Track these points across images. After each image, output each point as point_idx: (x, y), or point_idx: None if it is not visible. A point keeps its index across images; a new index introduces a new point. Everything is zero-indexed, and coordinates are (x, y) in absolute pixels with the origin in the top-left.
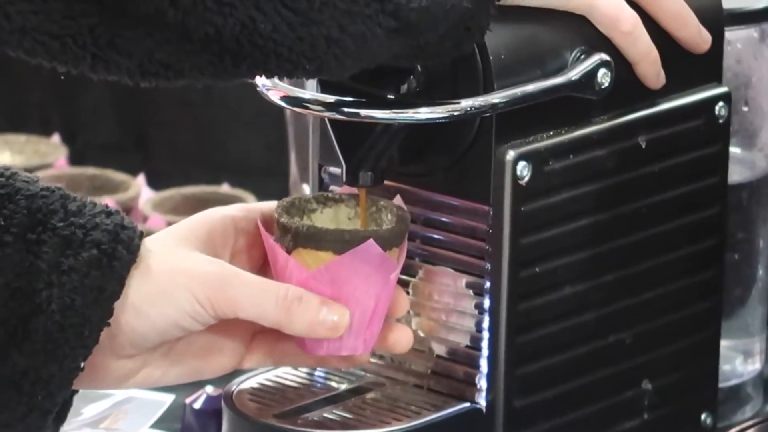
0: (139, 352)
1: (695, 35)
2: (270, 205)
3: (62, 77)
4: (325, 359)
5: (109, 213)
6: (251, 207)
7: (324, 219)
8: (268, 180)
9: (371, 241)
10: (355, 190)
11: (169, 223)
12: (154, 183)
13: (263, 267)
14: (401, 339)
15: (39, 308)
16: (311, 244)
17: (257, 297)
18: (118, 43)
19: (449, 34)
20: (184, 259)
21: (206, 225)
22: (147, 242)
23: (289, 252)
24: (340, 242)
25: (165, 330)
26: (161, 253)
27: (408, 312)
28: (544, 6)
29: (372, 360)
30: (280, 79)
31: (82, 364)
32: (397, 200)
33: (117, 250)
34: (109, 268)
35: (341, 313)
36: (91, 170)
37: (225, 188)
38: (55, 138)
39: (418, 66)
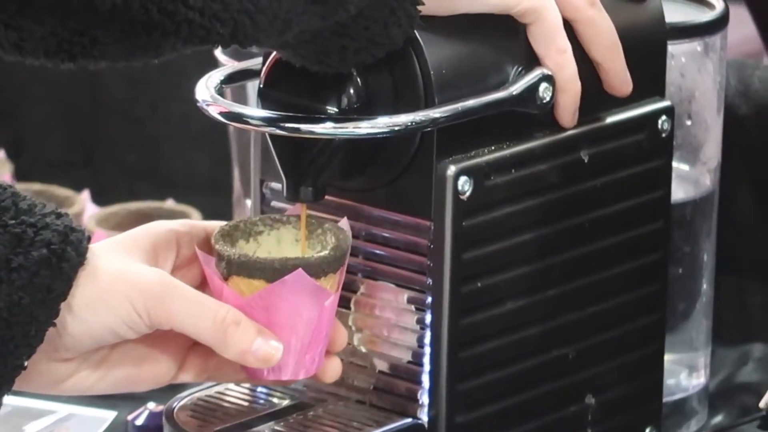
0: (72, 356)
1: (622, 73)
2: (215, 225)
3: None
4: (260, 378)
5: (59, 214)
6: (196, 224)
7: (270, 241)
8: (212, 195)
9: (300, 270)
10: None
11: None
12: (100, 199)
13: (203, 284)
14: (328, 370)
15: None
16: (243, 272)
17: (195, 313)
18: (27, 12)
19: (372, 14)
20: (126, 267)
21: (150, 237)
22: (93, 248)
23: (225, 279)
24: (271, 270)
25: (100, 335)
26: (105, 259)
27: (350, 327)
28: (489, 11)
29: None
30: (196, 47)
31: (25, 363)
32: (343, 223)
33: (66, 252)
34: (57, 269)
35: (275, 346)
36: (36, 186)
37: (170, 204)
38: (0, 154)
39: (359, 80)
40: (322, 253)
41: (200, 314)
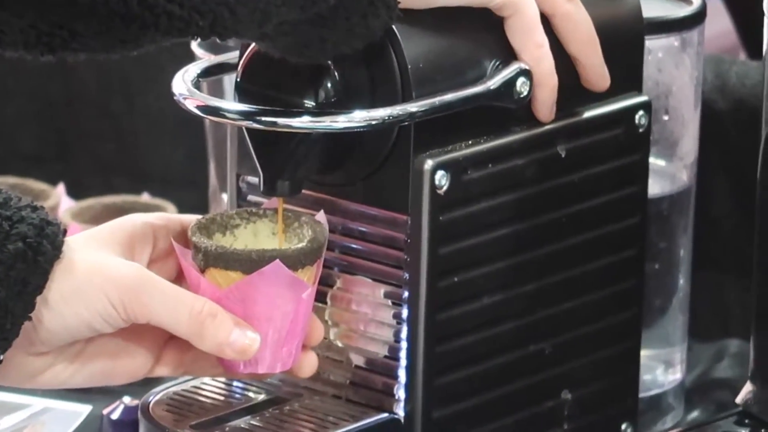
0: (48, 350)
1: (599, 67)
2: (192, 219)
3: None
4: (237, 372)
5: (34, 207)
6: (172, 217)
7: (247, 234)
8: (188, 190)
9: (278, 261)
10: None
11: None
12: (75, 192)
13: (180, 277)
14: (304, 365)
15: None
16: (220, 263)
17: (172, 306)
18: (7, 4)
19: (351, 5)
20: (102, 261)
21: (126, 230)
22: (69, 241)
23: (202, 271)
24: (248, 262)
25: (76, 329)
26: (82, 252)
27: (326, 322)
28: (467, 4)
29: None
30: (175, 39)
31: (1, 357)
32: (320, 216)
33: (42, 245)
34: (33, 262)
35: (252, 338)
36: (11, 179)
37: (145, 198)
38: None
39: (336, 74)
40: (299, 245)
41: (176, 307)
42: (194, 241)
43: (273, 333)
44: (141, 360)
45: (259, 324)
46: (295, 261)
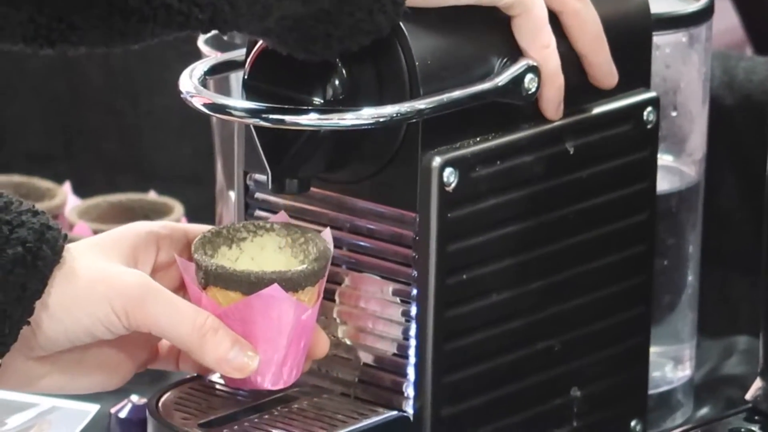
0: (47, 354)
1: (607, 64)
2: (196, 228)
3: None
4: (238, 386)
5: (35, 212)
6: (176, 227)
7: (253, 248)
8: (195, 187)
9: (276, 285)
10: (286, 218)
11: (95, 231)
12: (81, 191)
13: (182, 287)
14: (318, 345)
15: None
16: (220, 283)
17: (174, 317)
18: None
19: (357, 0)
20: (105, 268)
21: (130, 239)
22: (71, 248)
23: (203, 287)
24: (247, 284)
25: (75, 335)
26: (84, 259)
27: (334, 320)
28: (476, 3)
29: None
30: (175, 33)
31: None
32: (326, 233)
33: (42, 250)
34: (33, 267)
35: (251, 357)
36: (17, 178)
37: (152, 196)
38: None
39: (344, 71)
40: (299, 268)
41: (179, 319)
42: (196, 259)
43: (273, 353)
44: (137, 362)
45: (258, 343)
46: (295, 283)
